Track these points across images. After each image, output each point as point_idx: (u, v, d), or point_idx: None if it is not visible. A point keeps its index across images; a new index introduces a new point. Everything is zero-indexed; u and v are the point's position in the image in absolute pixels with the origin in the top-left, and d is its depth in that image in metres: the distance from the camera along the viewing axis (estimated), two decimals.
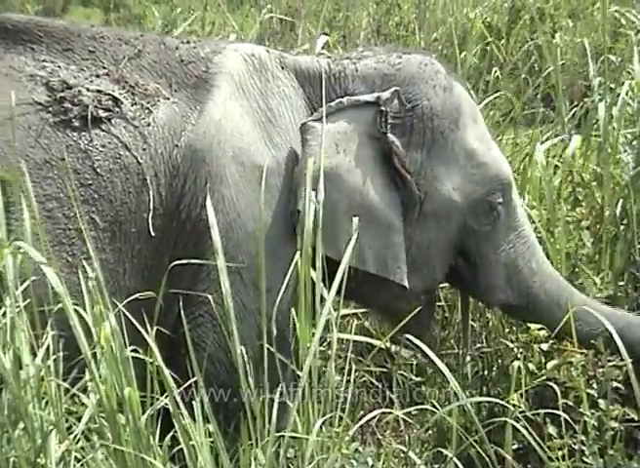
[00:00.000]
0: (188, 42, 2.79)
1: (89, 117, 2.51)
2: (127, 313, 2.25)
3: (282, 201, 2.63)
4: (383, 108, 2.71)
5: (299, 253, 2.36)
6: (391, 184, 2.75)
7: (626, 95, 3.95)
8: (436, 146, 2.79)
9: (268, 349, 2.35)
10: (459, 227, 2.85)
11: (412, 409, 2.86)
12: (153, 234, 2.50)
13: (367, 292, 2.83)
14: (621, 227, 3.52)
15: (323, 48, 4.46)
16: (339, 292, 2.42)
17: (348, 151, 2.69)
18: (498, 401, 2.77)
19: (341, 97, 2.76)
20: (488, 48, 5.87)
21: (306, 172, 2.49)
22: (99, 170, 2.49)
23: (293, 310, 2.40)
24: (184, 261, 2.43)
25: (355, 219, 2.49)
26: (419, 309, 2.76)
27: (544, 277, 2.93)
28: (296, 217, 2.57)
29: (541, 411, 2.80)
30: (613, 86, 4.21)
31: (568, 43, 5.99)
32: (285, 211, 2.63)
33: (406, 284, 2.74)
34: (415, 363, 3.50)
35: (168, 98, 2.64)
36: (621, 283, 3.42)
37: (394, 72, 2.82)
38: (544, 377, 2.90)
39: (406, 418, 3.00)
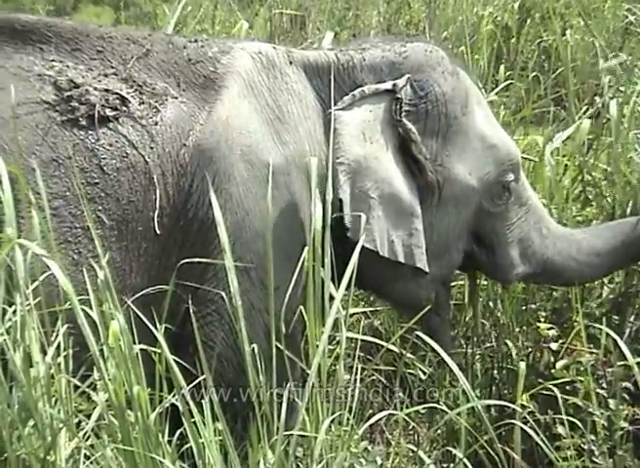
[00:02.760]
0: (196, 41, 2.78)
1: (96, 116, 2.51)
2: (136, 310, 2.26)
3: (291, 199, 2.64)
4: (399, 95, 2.75)
5: (307, 250, 2.37)
6: (408, 171, 2.79)
7: (637, 95, 3.94)
8: (450, 132, 2.83)
9: (277, 347, 2.35)
10: (475, 211, 2.90)
11: (420, 407, 2.86)
12: (160, 233, 2.50)
13: (385, 282, 2.89)
14: None
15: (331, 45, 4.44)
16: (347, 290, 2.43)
17: (374, 140, 2.73)
18: (507, 404, 2.76)
19: (351, 87, 2.78)
20: (497, 47, 5.85)
21: (343, 160, 2.63)
22: (105, 168, 2.48)
23: (302, 308, 2.40)
24: (196, 260, 2.44)
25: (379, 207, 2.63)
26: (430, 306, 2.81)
27: (555, 239, 3.03)
28: (337, 206, 2.61)
29: (550, 412, 2.79)
30: (623, 85, 4.19)
31: (579, 42, 5.97)
32: (294, 209, 2.63)
33: (427, 269, 2.78)
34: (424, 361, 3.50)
35: (176, 98, 2.63)
36: (633, 282, 3.40)
37: (402, 60, 2.83)
38: (553, 377, 2.90)
39: (414, 419, 3.00)
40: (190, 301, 2.46)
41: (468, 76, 2.96)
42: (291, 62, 2.80)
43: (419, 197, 2.78)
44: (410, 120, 2.77)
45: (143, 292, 2.38)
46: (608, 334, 2.95)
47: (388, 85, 2.76)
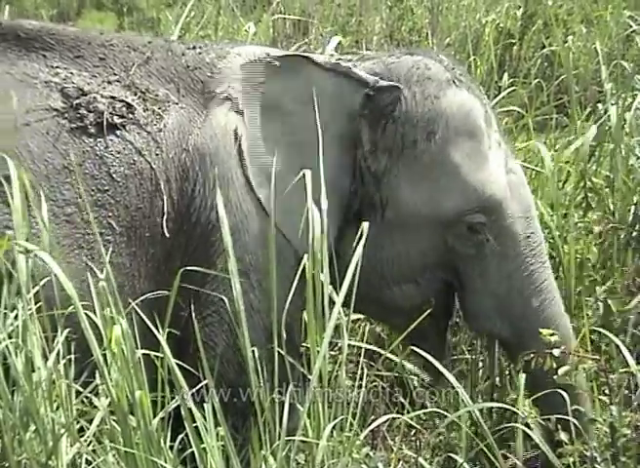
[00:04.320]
0: (194, 48, 2.81)
1: (104, 123, 2.54)
2: (141, 314, 2.28)
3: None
4: (372, 93, 2.66)
5: (307, 255, 2.37)
6: (349, 169, 2.69)
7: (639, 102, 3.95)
8: (405, 154, 2.69)
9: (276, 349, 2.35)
10: (436, 244, 2.73)
11: (421, 411, 2.85)
12: (167, 236, 2.53)
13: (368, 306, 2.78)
14: (634, 233, 3.52)
15: (337, 50, 4.44)
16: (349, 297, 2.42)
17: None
18: (507, 407, 2.75)
19: None
20: (500, 53, 5.85)
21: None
22: (114, 175, 2.52)
23: (300, 311, 2.40)
24: (200, 269, 2.45)
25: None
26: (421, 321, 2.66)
27: (547, 319, 2.76)
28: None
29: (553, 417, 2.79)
30: (625, 92, 4.20)
31: (581, 49, 5.98)
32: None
33: (297, 246, 2.52)
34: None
35: (177, 104, 2.67)
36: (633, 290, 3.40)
37: (384, 71, 2.75)
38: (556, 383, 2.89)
39: (416, 424, 2.99)
40: (192, 303, 2.47)
41: (474, 103, 2.75)
42: None
43: (349, 194, 2.69)
44: (370, 126, 2.67)
45: (147, 295, 2.40)
46: (611, 340, 2.95)
47: (369, 77, 2.68)
